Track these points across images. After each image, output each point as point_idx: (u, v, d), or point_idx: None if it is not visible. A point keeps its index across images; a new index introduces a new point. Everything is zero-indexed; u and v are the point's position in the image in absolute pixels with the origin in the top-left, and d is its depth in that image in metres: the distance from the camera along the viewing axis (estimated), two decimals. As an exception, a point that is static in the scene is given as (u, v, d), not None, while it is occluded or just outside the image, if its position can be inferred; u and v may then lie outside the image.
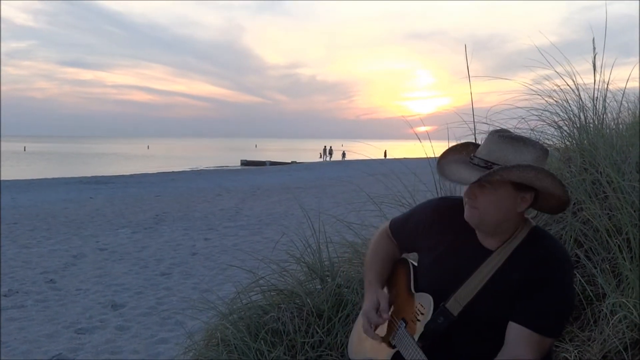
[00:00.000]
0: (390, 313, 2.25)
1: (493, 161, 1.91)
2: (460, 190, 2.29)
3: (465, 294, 1.99)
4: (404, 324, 2.14)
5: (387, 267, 2.38)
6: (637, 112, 4.26)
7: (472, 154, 2.03)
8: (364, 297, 2.31)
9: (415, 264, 2.33)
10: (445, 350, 2.02)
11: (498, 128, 2.08)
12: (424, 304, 2.08)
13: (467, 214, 1.99)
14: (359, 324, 2.44)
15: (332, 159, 65.02)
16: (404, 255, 2.44)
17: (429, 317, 2.03)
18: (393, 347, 2.16)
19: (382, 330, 2.25)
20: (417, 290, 2.19)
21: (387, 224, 2.45)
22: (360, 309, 3.42)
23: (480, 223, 1.99)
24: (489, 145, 1.96)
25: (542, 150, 1.94)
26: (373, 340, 2.24)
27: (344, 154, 65.74)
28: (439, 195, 3.61)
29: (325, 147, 69.94)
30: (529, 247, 1.97)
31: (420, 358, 1.97)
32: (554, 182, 1.90)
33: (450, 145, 2.18)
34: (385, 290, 2.35)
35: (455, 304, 2.00)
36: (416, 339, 2.04)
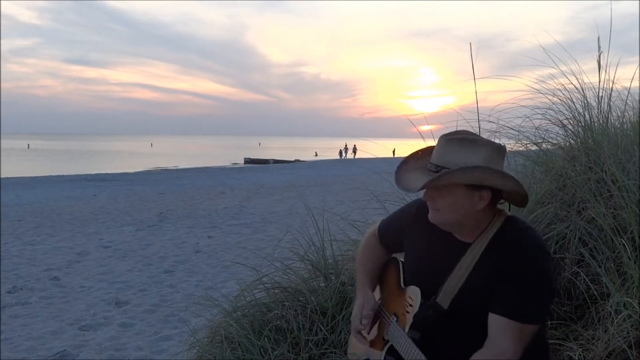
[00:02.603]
0: (383, 310, 2.33)
1: (443, 165, 1.96)
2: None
3: (451, 287, 2.04)
4: (395, 318, 2.20)
5: (376, 268, 2.47)
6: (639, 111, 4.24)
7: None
8: (355, 300, 2.39)
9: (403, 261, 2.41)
10: (436, 341, 2.07)
11: (453, 131, 2.08)
12: (412, 296, 2.14)
13: (430, 216, 2.07)
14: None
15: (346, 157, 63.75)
16: (393, 255, 2.51)
17: (417, 309, 2.08)
18: (386, 342, 2.22)
19: (375, 329, 2.32)
20: (406, 285, 2.25)
21: (375, 226, 2.53)
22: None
23: (442, 223, 2.07)
24: (438, 150, 2.02)
25: (494, 148, 1.99)
26: (365, 340, 2.32)
27: (341, 152, 65.22)
28: None
29: (346, 145, 67.24)
30: (503, 237, 2.02)
31: (410, 348, 2.02)
32: (505, 179, 1.94)
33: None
34: (378, 290, 2.44)
35: (444, 297, 2.05)
36: (406, 330, 2.10)
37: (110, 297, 7.75)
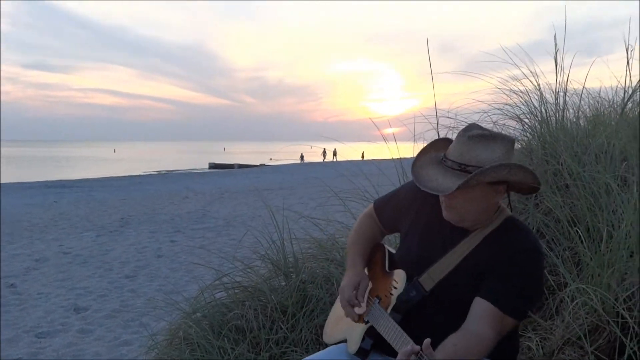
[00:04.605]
0: (367, 293, 2.29)
1: (466, 163, 1.94)
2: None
3: (439, 271, 2.04)
4: (378, 300, 2.19)
5: (369, 247, 2.43)
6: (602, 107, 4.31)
7: (443, 153, 2.07)
8: (345, 274, 2.34)
9: (390, 248, 2.40)
10: (416, 323, 2.05)
11: (467, 125, 2.06)
12: (397, 279, 2.14)
13: (446, 214, 2.04)
14: (336, 307, 2.50)
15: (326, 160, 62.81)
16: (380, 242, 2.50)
17: (401, 290, 2.09)
18: (366, 323, 2.19)
19: (363, 308, 2.27)
20: (391, 269, 2.25)
21: (370, 207, 2.49)
22: (324, 304, 3.41)
23: (459, 221, 2.04)
24: (460, 147, 1.98)
25: (509, 142, 1.99)
26: (348, 318, 2.28)
27: (302, 156, 65.02)
28: None
29: (324, 149, 65.74)
30: (503, 233, 2.02)
31: (392, 327, 2.01)
32: (525, 174, 1.96)
33: (420, 147, 2.20)
34: (366, 270, 2.39)
35: (429, 279, 2.05)
36: (389, 311, 2.09)
37: (69, 303, 7.60)
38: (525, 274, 1.96)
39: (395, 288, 2.13)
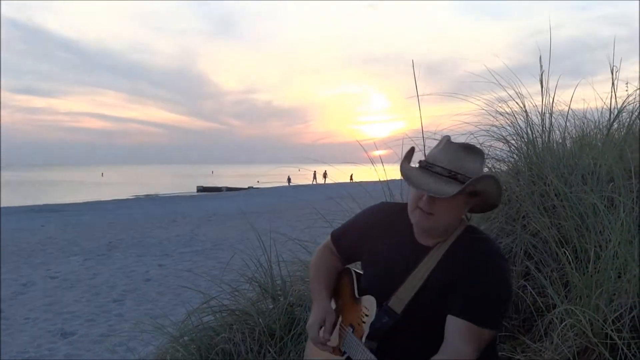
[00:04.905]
0: (339, 323, 2.28)
1: (456, 170, 1.98)
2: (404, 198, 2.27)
3: (406, 291, 2.03)
4: (352, 329, 2.17)
5: (331, 279, 2.41)
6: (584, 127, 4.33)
7: (424, 161, 2.08)
8: (312, 309, 2.32)
9: (358, 271, 2.38)
10: (393, 348, 2.04)
11: (445, 136, 2.11)
12: (367, 306, 2.12)
13: (420, 220, 2.03)
14: None
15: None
16: (347, 266, 2.46)
17: (373, 317, 2.07)
18: (343, 353, 2.18)
19: (334, 340, 2.26)
20: (360, 295, 2.22)
21: (327, 238, 2.48)
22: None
23: (432, 228, 2.05)
24: (448, 155, 2.01)
25: (483, 155, 2.09)
26: (323, 350, 2.25)
27: (289, 179, 64.79)
28: None
29: (315, 172, 64.82)
30: (464, 244, 2.04)
31: (368, 357, 1.99)
32: (499, 188, 2.01)
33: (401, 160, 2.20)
34: (332, 302, 2.37)
35: (398, 301, 2.03)
36: (363, 340, 2.06)
37: (56, 328, 7.52)
38: (492, 282, 1.96)
39: (366, 315, 2.11)
